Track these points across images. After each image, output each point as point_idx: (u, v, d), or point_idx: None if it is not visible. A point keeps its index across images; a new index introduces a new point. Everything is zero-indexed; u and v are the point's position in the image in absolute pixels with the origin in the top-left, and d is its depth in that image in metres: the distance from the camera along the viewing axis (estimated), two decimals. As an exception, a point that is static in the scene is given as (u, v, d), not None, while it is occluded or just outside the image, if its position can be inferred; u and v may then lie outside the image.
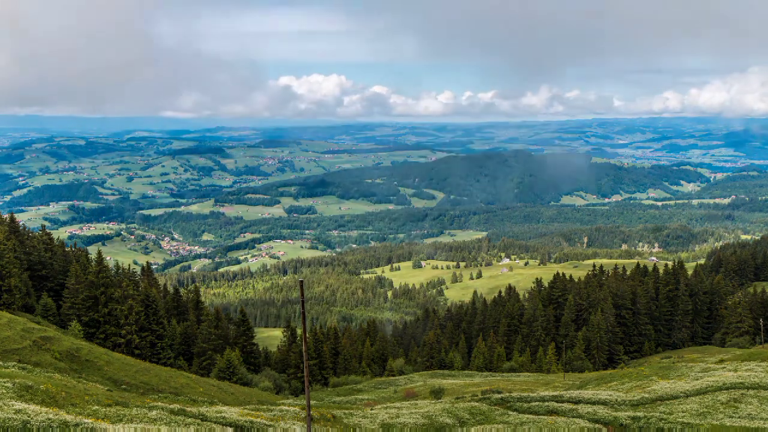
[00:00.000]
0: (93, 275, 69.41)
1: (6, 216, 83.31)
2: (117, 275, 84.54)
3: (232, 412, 27.78)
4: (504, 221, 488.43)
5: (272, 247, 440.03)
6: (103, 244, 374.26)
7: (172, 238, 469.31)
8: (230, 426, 24.91)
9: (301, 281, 20.37)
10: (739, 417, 30.09)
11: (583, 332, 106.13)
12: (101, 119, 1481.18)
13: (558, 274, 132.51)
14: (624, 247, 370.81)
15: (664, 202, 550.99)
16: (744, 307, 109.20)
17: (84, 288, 68.38)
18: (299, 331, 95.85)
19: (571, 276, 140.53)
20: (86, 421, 20.46)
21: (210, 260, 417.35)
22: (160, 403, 27.91)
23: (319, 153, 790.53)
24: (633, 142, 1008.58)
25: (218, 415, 26.42)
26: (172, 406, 26.47)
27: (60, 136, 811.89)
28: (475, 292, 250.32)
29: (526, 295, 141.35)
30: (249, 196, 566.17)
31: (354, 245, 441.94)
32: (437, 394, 52.27)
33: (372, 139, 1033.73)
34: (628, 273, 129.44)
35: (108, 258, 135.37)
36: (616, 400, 35.59)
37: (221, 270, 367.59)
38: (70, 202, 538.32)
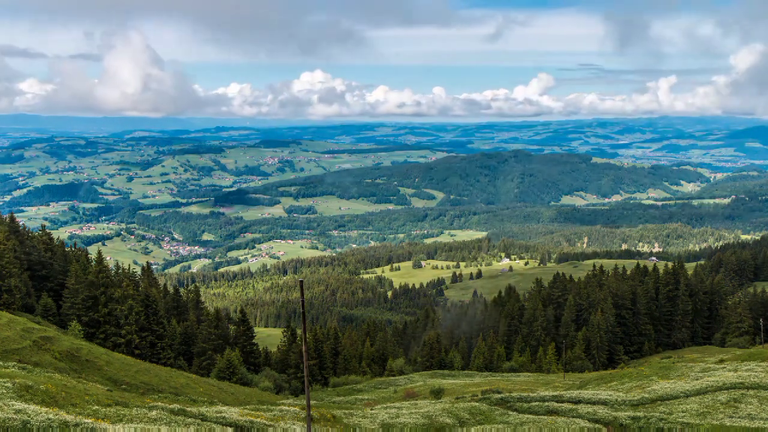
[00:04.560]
0: (93, 275, 69.40)
1: (6, 216, 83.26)
2: (117, 275, 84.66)
3: (232, 412, 27.76)
4: (504, 221, 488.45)
5: (272, 247, 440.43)
6: (103, 244, 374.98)
7: (172, 238, 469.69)
8: (230, 426, 24.89)
9: (301, 281, 20.34)
10: (739, 417, 30.08)
11: (583, 332, 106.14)
12: (101, 119, 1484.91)
13: (558, 274, 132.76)
14: (624, 247, 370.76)
15: (664, 202, 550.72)
16: (744, 307, 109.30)
17: (84, 288, 68.35)
18: (299, 331, 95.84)
19: (571, 276, 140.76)
20: (86, 421, 20.45)
21: (210, 260, 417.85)
22: (160, 403, 27.91)
23: (319, 153, 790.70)
24: (633, 142, 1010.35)
25: (218, 415, 26.41)
26: (172, 406, 26.46)
27: (60, 136, 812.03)
28: (475, 292, 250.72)
29: (526, 295, 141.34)
30: (249, 196, 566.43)
31: (354, 245, 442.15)
32: (437, 394, 52.22)
33: (372, 139, 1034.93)
34: (628, 273, 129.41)
35: (108, 258, 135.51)
36: (616, 400, 35.56)
37: (221, 270, 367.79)
38: (70, 202, 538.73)
